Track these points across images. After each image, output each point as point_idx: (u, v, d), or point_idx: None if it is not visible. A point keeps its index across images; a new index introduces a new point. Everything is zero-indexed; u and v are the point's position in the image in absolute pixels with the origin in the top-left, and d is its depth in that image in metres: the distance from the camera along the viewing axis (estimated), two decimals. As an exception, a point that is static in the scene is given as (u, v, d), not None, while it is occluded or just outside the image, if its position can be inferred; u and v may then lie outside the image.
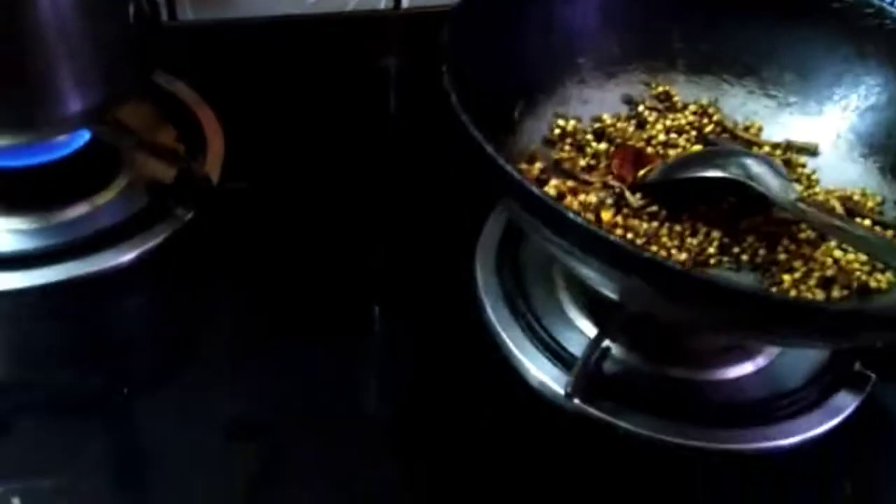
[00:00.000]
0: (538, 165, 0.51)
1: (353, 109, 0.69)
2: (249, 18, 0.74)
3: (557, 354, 0.50)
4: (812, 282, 0.47)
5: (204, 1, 0.73)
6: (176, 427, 0.46)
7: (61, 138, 0.53)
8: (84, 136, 0.54)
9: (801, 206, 0.44)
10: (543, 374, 0.49)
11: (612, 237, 0.35)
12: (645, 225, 0.49)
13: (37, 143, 0.53)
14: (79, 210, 0.55)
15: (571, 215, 0.35)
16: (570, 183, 0.51)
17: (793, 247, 0.49)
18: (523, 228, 0.43)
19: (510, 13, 0.50)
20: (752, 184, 0.45)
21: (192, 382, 0.50)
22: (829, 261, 0.48)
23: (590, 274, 0.40)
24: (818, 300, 0.44)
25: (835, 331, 0.35)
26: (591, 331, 0.52)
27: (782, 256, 0.49)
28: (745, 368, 0.51)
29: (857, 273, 0.47)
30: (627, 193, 0.50)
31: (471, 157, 0.43)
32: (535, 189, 0.36)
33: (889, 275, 0.47)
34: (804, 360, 0.51)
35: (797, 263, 0.48)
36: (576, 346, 0.50)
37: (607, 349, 0.49)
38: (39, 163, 0.54)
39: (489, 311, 0.52)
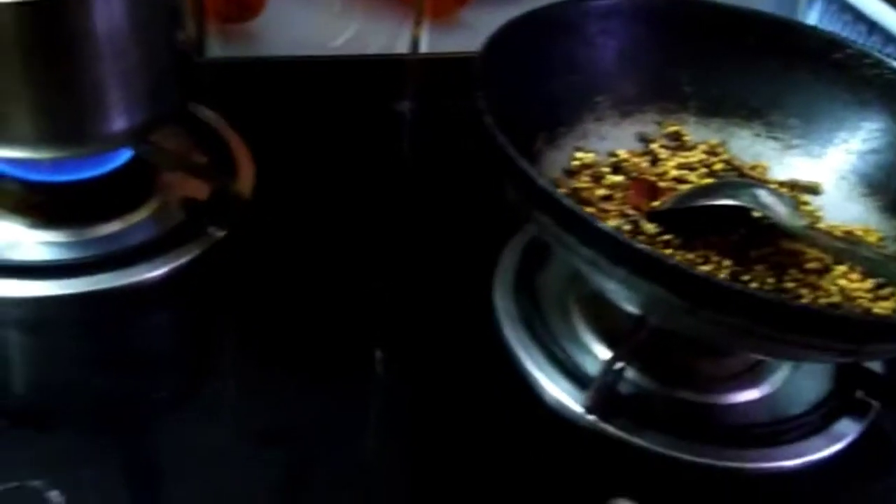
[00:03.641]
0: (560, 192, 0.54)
1: (371, 144, 0.72)
2: (274, 57, 0.77)
3: (573, 374, 0.52)
4: (818, 308, 0.50)
5: (231, 39, 0.76)
6: (198, 434, 0.48)
7: (102, 156, 0.56)
8: (124, 156, 0.57)
9: (810, 231, 0.46)
10: (560, 391, 0.51)
11: (639, 245, 0.37)
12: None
13: (79, 159, 0.55)
14: (114, 226, 0.57)
15: (602, 225, 0.38)
16: (589, 210, 0.53)
17: (800, 275, 0.51)
18: (550, 243, 0.45)
19: (536, 51, 0.54)
20: (763, 211, 0.48)
21: (210, 394, 0.52)
22: (835, 289, 0.50)
23: (613, 287, 0.43)
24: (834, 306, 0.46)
25: (848, 338, 0.37)
26: (604, 354, 0.54)
27: (790, 284, 0.51)
28: (751, 394, 0.54)
29: (861, 300, 0.50)
30: (643, 222, 0.53)
31: (502, 176, 0.45)
32: (567, 201, 0.39)
33: (892, 301, 0.49)
34: (808, 388, 0.54)
35: (804, 291, 0.50)
36: (591, 367, 0.53)
37: (622, 370, 0.51)
38: (79, 178, 0.56)
39: (507, 331, 0.54)
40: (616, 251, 0.39)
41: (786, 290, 0.51)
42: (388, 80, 0.81)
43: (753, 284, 0.51)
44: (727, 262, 0.52)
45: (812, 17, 0.83)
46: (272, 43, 0.77)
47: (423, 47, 0.82)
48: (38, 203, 0.56)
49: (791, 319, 0.36)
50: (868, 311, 0.48)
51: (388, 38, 0.81)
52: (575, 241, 0.40)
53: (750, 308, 0.36)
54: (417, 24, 0.82)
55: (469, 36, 0.82)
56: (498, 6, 0.80)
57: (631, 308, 0.46)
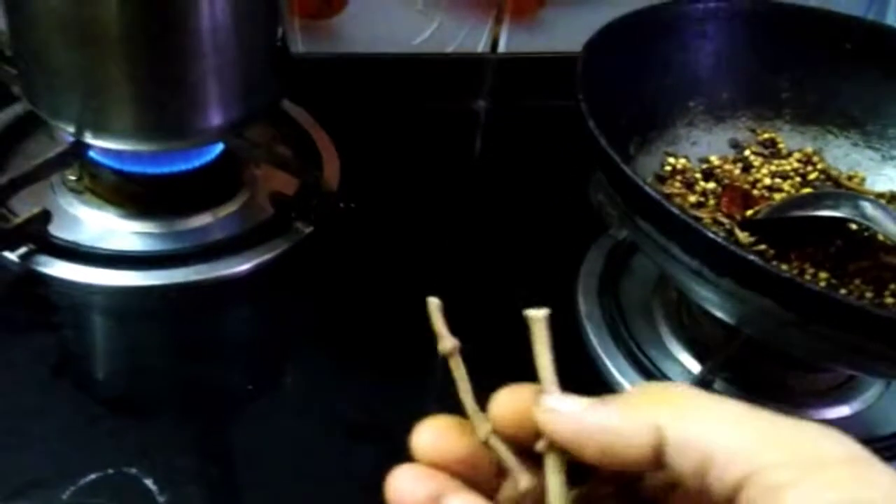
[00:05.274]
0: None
1: (450, 142, 0.72)
2: (355, 53, 0.78)
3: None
4: (920, 326, 0.48)
5: (314, 36, 0.77)
6: (284, 425, 0.49)
7: (196, 149, 0.57)
8: (216, 150, 0.57)
9: (918, 247, 0.45)
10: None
11: (750, 256, 0.36)
12: (754, 262, 0.51)
13: (174, 152, 0.56)
14: (203, 219, 0.58)
15: (710, 233, 0.37)
16: (681, 217, 0.52)
17: (900, 291, 0.50)
18: (646, 251, 0.45)
19: (632, 54, 0.53)
20: (868, 224, 0.47)
21: (295, 387, 0.52)
22: (938, 306, 0.49)
23: (713, 297, 0.42)
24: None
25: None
26: (690, 363, 0.53)
27: (889, 300, 0.50)
28: (842, 411, 0.52)
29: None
30: (737, 230, 0.52)
31: (599, 181, 0.45)
32: (675, 208, 0.38)
33: None
34: (899, 408, 0.53)
35: (905, 307, 0.49)
36: (676, 375, 0.52)
37: (711, 381, 0.50)
38: (172, 171, 0.57)
39: (591, 335, 0.54)
40: (723, 261, 0.38)
41: (885, 306, 0.50)
42: (467, 78, 0.81)
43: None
44: (824, 275, 0.51)
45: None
46: (354, 40, 0.77)
47: (502, 47, 0.82)
48: (133, 194, 0.57)
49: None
50: None
51: (469, 36, 0.81)
52: (678, 250, 0.40)
53: (869, 325, 0.35)
54: (498, 23, 0.81)
55: (547, 36, 0.82)
56: (576, 7, 0.80)
57: (727, 319, 0.45)
